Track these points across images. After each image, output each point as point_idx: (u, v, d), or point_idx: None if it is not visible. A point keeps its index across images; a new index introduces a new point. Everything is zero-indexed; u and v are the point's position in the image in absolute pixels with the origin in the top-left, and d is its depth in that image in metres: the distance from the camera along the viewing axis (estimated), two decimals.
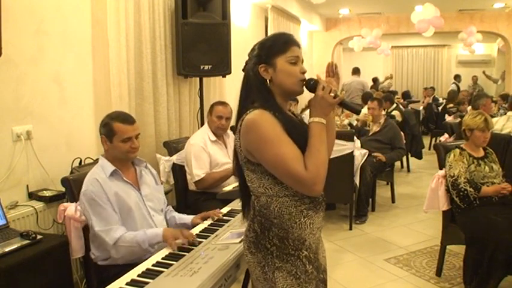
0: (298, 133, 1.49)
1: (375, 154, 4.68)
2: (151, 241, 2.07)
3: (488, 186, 2.94)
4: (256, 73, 1.55)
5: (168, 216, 2.44)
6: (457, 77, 12.78)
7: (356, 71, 9.24)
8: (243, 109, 1.55)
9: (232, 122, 3.43)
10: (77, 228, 2.24)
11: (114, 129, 2.17)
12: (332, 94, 1.49)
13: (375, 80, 12.99)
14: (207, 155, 3.22)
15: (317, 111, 1.50)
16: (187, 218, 2.42)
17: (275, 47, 1.54)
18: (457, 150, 3.04)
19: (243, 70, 1.62)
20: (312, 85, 1.53)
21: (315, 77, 1.56)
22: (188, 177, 3.30)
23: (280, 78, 1.54)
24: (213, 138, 3.29)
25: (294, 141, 1.46)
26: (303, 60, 1.58)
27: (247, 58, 1.62)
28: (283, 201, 1.51)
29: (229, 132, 3.47)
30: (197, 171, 3.16)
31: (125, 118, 2.24)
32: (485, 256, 2.71)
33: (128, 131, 2.19)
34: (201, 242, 2.01)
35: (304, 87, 1.57)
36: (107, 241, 2.07)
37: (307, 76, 1.58)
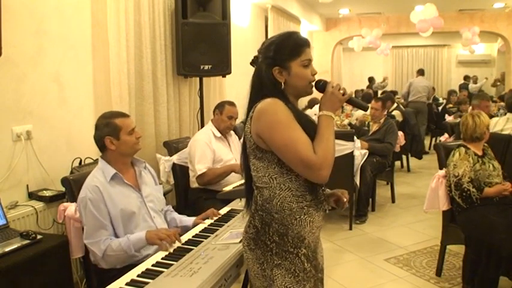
0: (308, 125, 1.55)
1: (361, 140, 4.62)
2: (135, 246, 2.05)
3: (491, 185, 2.94)
4: (270, 75, 1.57)
5: (169, 217, 2.42)
6: (467, 78, 12.77)
7: (421, 72, 9.32)
8: (253, 102, 1.58)
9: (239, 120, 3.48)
10: (77, 228, 2.24)
11: (118, 124, 2.18)
12: (341, 91, 1.58)
13: (371, 80, 13.03)
14: (211, 151, 3.25)
15: (327, 106, 1.57)
16: (189, 221, 2.40)
17: (291, 50, 1.57)
18: (462, 149, 3.00)
19: (251, 64, 1.64)
20: (322, 86, 1.61)
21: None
22: (191, 173, 3.31)
23: (294, 81, 1.58)
24: (218, 134, 3.34)
25: (304, 130, 1.51)
26: (312, 60, 1.62)
27: (251, 56, 1.65)
28: (286, 195, 1.54)
29: (231, 131, 3.49)
30: (199, 166, 3.19)
31: (121, 113, 2.29)
32: (482, 256, 2.72)
33: (130, 123, 2.24)
34: (200, 242, 2.01)
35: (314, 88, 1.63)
36: (96, 253, 2.07)
37: None
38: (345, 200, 1.71)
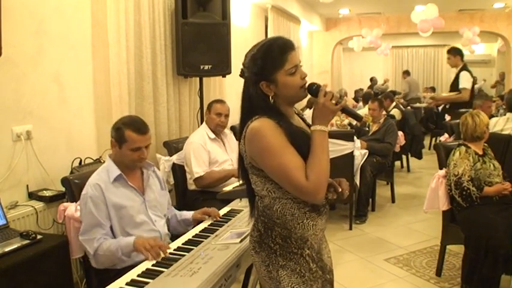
0: (301, 141, 1.50)
1: (360, 140, 4.62)
2: (124, 250, 2.02)
3: (491, 185, 2.94)
4: (258, 90, 1.53)
5: (170, 215, 2.43)
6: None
7: (408, 73, 11.37)
8: (246, 119, 1.54)
9: (232, 122, 3.46)
10: (77, 228, 2.24)
11: (125, 137, 2.13)
12: (334, 101, 1.50)
13: (372, 79, 13.05)
14: (207, 153, 3.24)
15: (319, 119, 1.51)
16: (188, 214, 2.41)
17: (273, 62, 1.50)
18: (463, 148, 3.01)
19: (241, 76, 1.59)
20: (314, 90, 1.54)
21: (315, 80, 1.58)
22: (188, 176, 3.31)
23: (283, 92, 1.53)
24: (212, 136, 3.32)
25: (296, 149, 1.47)
26: (300, 61, 1.56)
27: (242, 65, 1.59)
28: (287, 202, 1.53)
29: (227, 131, 3.48)
30: (196, 169, 3.18)
31: (139, 127, 2.16)
32: (480, 254, 2.72)
33: (138, 141, 2.14)
34: (200, 242, 2.01)
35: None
36: (88, 251, 2.07)
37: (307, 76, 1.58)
38: (340, 190, 1.61)
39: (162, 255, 1.89)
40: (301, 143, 1.49)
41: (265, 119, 1.49)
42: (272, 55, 1.51)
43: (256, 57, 1.53)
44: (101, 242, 2.06)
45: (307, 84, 1.56)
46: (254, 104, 1.54)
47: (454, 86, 5.43)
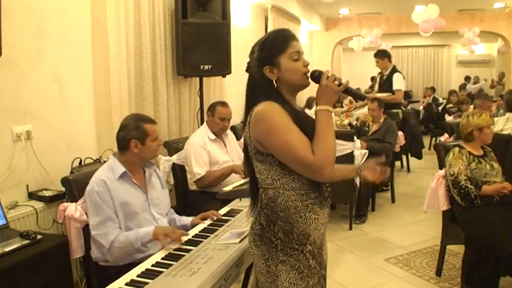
0: (306, 124, 1.54)
1: (360, 140, 4.61)
2: (143, 239, 2.07)
3: (489, 184, 2.95)
4: (262, 75, 1.58)
5: (169, 218, 2.45)
6: (468, 78, 12.80)
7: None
8: (250, 106, 1.58)
9: (232, 122, 3.46)
10: (77, 228, 2.25)
11: (147, 130, 2.22)
12: (336, 82, 1.55)
13: (372, 79, 13.05)
14: (207, 154, 3.23)
15: (323, 100, 1.55)
16: (187, 220, 2.43)
17: (276, 46, 1.56)
18: (456, 149, 3.04)
19: (247, 71, 1.64)
20: (317, 76, 1.59)
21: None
22: (188, 176, 3.31)
23: (286, 76, 1.57)
24: (212, 137, 3.31)
25: (302, 131, 1.50)
26: (303, 53, 1.61)
27: (248, 59, 1.65)
28: (290, 194, 1.54)
29: (228, 131, 3.47)
30: (197, 170, 3.17)
31: (150, 119, 2.34)
32: (481, 256, 2.72)
33: (156, 130, 2.29)
34: (200, 242, 2.01)
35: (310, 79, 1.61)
36: (103, 244, 2.09)
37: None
38: (378, 168, 1.68)
39: (177, 244, 1.97)
40: (306, 125, 1.53)
41: (269, 102, 1.53)
42: (275, 42, 1.58)
43: (260, 45, 1.60)
44: (116, 234, 2.08)
45: (309, 72, 1.60)
46: (258, 89, 1.58)
47: (385, 86, 5.46)
